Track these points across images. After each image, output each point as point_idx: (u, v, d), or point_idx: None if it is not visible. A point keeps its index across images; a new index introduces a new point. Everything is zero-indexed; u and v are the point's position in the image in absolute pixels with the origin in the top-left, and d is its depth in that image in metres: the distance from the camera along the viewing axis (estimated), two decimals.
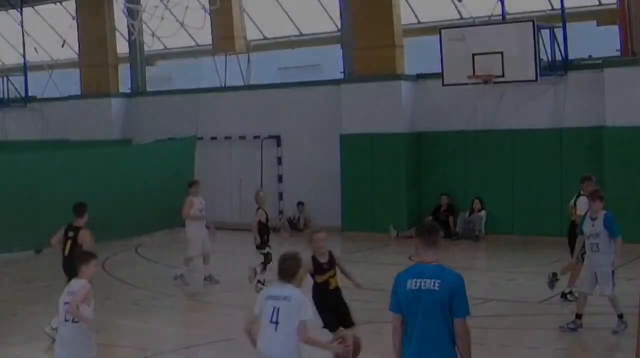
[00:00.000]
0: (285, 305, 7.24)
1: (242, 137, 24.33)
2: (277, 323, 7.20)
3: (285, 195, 23.72)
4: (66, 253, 11.80)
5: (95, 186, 20.00)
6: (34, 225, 18.85)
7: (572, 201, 13.93)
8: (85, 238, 11.77)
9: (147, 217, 20.18)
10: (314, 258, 9.13)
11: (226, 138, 24.66)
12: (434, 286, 6.04)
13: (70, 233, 11.93)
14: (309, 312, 7.26)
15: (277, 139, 23.81)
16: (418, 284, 6.08)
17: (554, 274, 13.34)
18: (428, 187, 21.49)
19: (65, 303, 8.24)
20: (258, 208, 15.01)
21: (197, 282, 15.59)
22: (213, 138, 24.75)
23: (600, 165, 18.82)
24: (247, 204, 24.06)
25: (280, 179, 23.76)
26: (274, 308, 7.24)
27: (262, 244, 14.81)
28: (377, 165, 21.59)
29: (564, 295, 13.47)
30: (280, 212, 23.69)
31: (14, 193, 18.44)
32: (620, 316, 11.25)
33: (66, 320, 8.22)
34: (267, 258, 14.54)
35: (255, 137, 24.02)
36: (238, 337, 11.69)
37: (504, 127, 20.44)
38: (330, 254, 9.59)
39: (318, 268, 9.47)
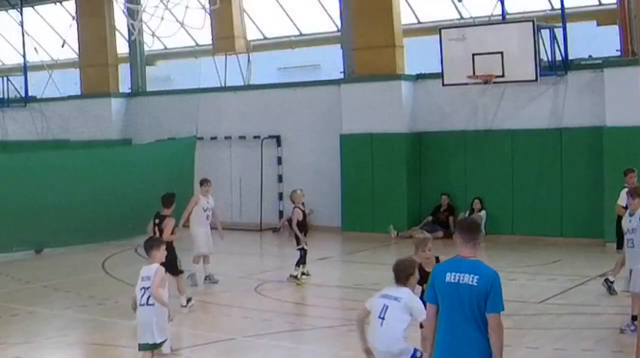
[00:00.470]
0: (394, 304, 7.64)
1: (242, 137, 24.33)
2: (383, 319, 7.61)
3: (285, 195, 23.70)
4: None
5: (95, 186, 20.03)
6: (34, 225, 18.90)
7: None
8: (167, 227, 13.01)
9: (148, 217, 20.13)
10: (421, 267, 8.66)
11: (226, 138, 24.66)
12: (472, 281, 6.23)
13: (157, 221, 13.42)
14: (423, 314, 7.09)
15: (277, 139, 23.81)
16: (457, 278, 6.27)
17: (606, 280, 13.43)
18: (428, 187, 21.50)
19: (142, 288, 9.11)
20: (295, 207, 15.43)
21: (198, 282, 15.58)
22: (213, 138, 24.75)
23: (600, 165, 18.83)
24: (247, 204, 24.20)
25: (280, 178, 23.76)
26: (384, 305, 7.67)
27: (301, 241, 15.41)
28: (377, 165, 21.59)
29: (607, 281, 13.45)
30: (280, 212, 23.69)
31: (14, 194, 18.45)
32: (634, 318, 11.03)
33: (141, 305, 9.06)
34: (304, 253, 15.42)
35: (255, 137, 24.01)
36: (238, 337, 11.74)
37: (504, 127, 20.43)
38: (437, 260, 9.18)
39: (425, 278, 8.66)
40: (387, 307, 7.64)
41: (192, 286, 14.82)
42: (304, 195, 15.75)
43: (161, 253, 9.36)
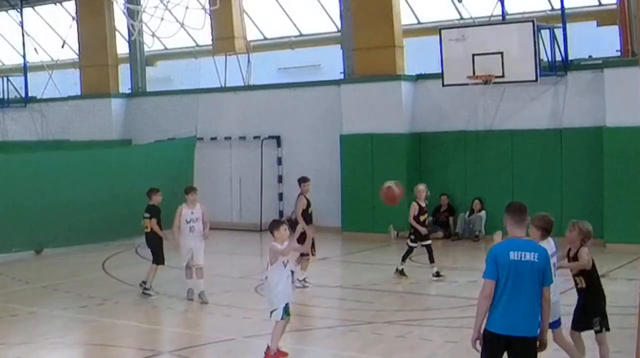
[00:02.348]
0: None
1: (242, 137, 24.33)
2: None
3: (285, 195, 23.71)
4: None
5: (95, 186, 20.04)
6: (34, 225, 18.90)
7: None
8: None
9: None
10: None
11: (226, 138, 24.67)
12: (533, 258, 7.05)
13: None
14: None
15: (277, 139, 23.81)
16: (519, 256, 7.04)
17: None
18: (428, 187, 21.44)
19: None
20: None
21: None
22: (213, 138, 24.76)
23: (600, 165, 18.83)
24: (247, 204, 24.20)
25: (280, 179, 23.76)
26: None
27: (424, 237, 15.66)
28: (377, 165, 21.58)
29: None
30: (281, 212, 23.69)
31: (14, 194, 18.45)
32: None
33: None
34: (411, 251, 15.82)
35: (255, 137, 24.02)
36: (238, 337, 11.74)
37: (504, 127, 20.44)
38: None
39: None
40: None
41: (188, 300, 14.02)
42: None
43: (281, 233, 10.57)
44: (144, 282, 14.56)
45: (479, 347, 7.20)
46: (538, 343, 7.18)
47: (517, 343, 7.01)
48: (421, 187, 16.01)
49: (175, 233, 14.15)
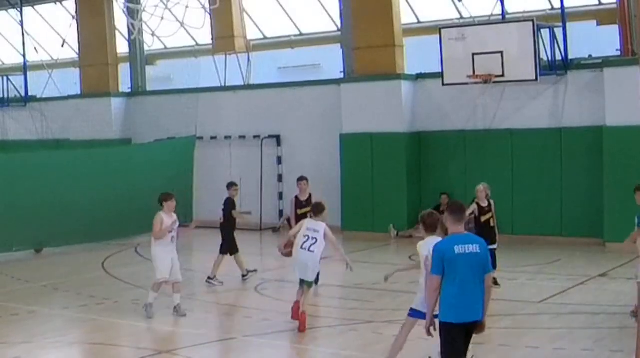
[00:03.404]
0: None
1: (242, 137, 24.33)
2: None
3: (285, 195, 23.70)
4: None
5: (95, 186, 20.04)
6: (34, 224, 18.90)
7: None
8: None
9: (147, 217, 20.12)
10: None
11: (226, 138, 24.66)
12: (476, 249, 7.74)
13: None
14: None
15: (277, 139, 23.81)
16: (464, 249, 7.70)
17: None
18: (428, 186, 21.49)
19: (305, 236, 11.84)
20: (473, 201, 15.02)
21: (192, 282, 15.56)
22: (213, 138, 24.76)
23: (600, 165, 18.83)
24: (247, 204, 24.10)
25: (280, 178, 23.76)
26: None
27: (490, 241, 14.28)
28: (377, 165, 21.58)
29: None
30: (280, 211, 23.69)
31: (14, 193, 18.45)
32: None
33: (302, 248, 11.71)
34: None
35: (255, 137, 24.02)
36: (238, 337, 11.74)
37: (504, 127, 20.43)
38: None
39: None
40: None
41: (148, 318, 12.73)
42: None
43: (324, 216, 11.92)
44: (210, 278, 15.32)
45: (433, 333, 7.99)
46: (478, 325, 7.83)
47: (471, 327, 7.76)
48: (480, 187, 15.00)
49: (153, 242, 12.95)
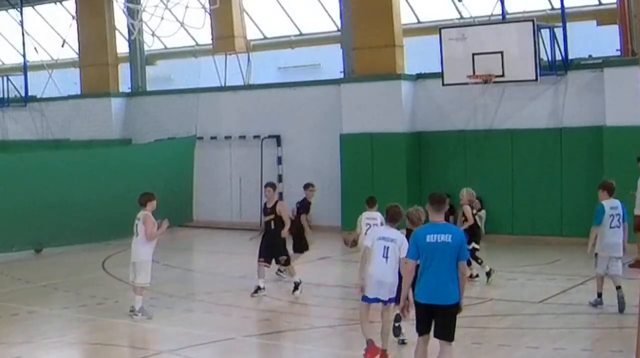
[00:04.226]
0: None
1: (242, 137, 24.33)
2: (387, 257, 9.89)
3: (285, 195, 23.69)
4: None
5: (96, 185, 20.03)
6: (34, 224, 18.89)
7: None
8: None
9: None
10: None
11: (226, 138, 24.66)
12: (448, 239, 8.38)
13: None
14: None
15: (277, 139, 23.81)
16: (435, 238, 8.38)
17: None
18: (428, 187, 21.43)
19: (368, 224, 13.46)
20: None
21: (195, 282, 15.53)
22: (213, 138, 24.75)
23: (600, 165, 18.83)
24: (247, 204, 24.18)
25: (280, 178, 23.74)
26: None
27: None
28: (377, 165, 21.58)
29: None
30: None
31: (14, 193, 18.45)
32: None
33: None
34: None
35: (255, 137, 24.02)
36: (238, 337, 11.74)
37: (504, 127, 20.43)
38: None
39: None
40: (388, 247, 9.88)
41: (148, 319, 12.61)
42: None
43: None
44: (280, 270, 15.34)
45: (405, 314, 8.97)
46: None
47: (438, 310, 8.40)
48: (463, 192, 15.13)
49: (145, 243, 12.65)
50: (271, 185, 14.93)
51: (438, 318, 8.45)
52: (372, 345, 9.87)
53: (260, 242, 14.48)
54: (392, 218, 10.09)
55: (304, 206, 15.83)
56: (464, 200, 15.05)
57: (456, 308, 8.47)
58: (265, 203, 14.73)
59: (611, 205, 12.67)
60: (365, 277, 9.95)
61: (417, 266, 8.52)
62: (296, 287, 14.25)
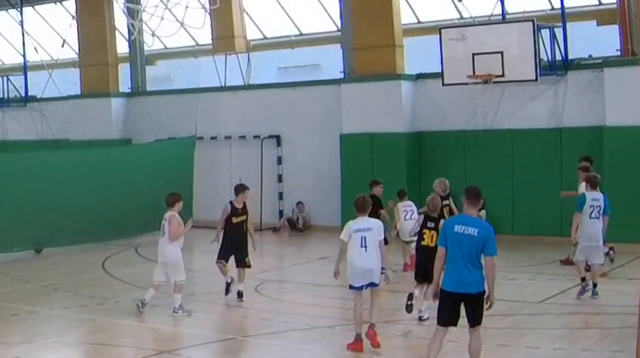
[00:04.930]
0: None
1: (242, 137, 24.33)
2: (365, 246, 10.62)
3: (285, 195, 23.73)
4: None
5: (96, 185, 20.04)
6: (34, 224, 18.90)
7: None
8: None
9: (147, 217, 20.17)
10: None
11: (226, 138, 24.66)
12: (473, 233, 8.73)
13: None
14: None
15: (277, 139, 23.81)
16: (463, 229, 8.78)
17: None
18: (428, 187, 21.39)
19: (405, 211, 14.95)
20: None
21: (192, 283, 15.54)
22: (213, 138, 24.76)
23: (600, 165, 18.82)
24: (247, 204, 24.11)
25: (280, 178, 23.76)
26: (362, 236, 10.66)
27: None
28: (377, 165, 21.57)
29: None
30: (280, 211, 23.69)
31: (14, 193, 18.46)
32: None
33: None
34: None
35: (255, 137, 24.02)
36: (238, 337, 11.75)
37: (504, 127, 20.42)
38: None
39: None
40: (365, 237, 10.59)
41: (187, 316, 12.91)
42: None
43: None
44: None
45: (435, 300, 9.18)
46: (486, 300, 8.86)
47: (465, 298, 8.78)
48: (436, 182, 15.65)
49: (173, 243, 12.92)
50: (247, 187, 14.80)
51: (467, 307, 8.86)
52: (359, 340, 10.69)
53: (225, 243, 14.25)
54: (361, 208, 10.86)
55: (377, 201, 15.84)
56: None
57: (482, 296, 8.82)
58: (233, 204, 14.42)
59: (593, 196, 13.48)
60: (349, 268, 10.72)
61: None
62: (228, 288, 14.06)
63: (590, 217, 13.31)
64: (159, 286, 13.13)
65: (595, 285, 13.27)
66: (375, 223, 10.81)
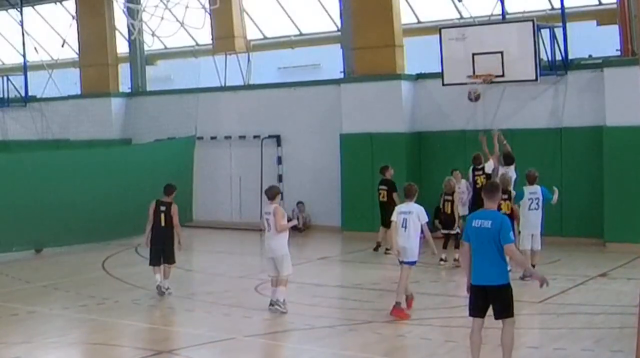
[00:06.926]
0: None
1: (242, 137, 24.33)
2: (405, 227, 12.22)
3: (285, 195, 23.68)
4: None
5: (95, 185, 20.03)
6: (34, 224, 18.89)
7: None
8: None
9: (147, 217, 20.19)
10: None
11: (226, 137, 24.67)
12: (488, 225, 9.06)
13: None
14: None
15: (277, 139, 23.81)
16: (480, 223, 9.13)
17: None
18: (428, 187, 21.43)
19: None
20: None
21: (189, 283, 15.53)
22: (213, 137, 24.76)
23: (600, 164, 18.83)
24: (247, 204, 24.20)
25: (280, 178, 23.75)
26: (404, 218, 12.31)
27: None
28: (377, 165, 21.52)
29: None
30: None
31: (14, 193, 18.45)
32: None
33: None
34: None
35: (255, 137, 24.02)
36: (238, 337, 11.75)
37: (504, 127, 20.39)
38: None
39: None
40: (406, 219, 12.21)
41: (283, 313, 13.04)
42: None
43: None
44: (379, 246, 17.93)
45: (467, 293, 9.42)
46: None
47: (490, 290, 9.04)
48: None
49: (280, 235, 13.04)
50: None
51: (493, 301, 9.08)
52: (400, 308, 12.24)
53: (155, 245, 14.52)
54: (408, 193, 12.49)
55: (391, 185, 18.46)
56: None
57: (505, 289, 9.06)
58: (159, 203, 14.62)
59: (531, 190, 15.32)
60: (393, 245, 12.48)
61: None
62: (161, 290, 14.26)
63: (529, 209, 15.20)
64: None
65: (533, 266, 14.16)
66: (416, 208, 12.30)
